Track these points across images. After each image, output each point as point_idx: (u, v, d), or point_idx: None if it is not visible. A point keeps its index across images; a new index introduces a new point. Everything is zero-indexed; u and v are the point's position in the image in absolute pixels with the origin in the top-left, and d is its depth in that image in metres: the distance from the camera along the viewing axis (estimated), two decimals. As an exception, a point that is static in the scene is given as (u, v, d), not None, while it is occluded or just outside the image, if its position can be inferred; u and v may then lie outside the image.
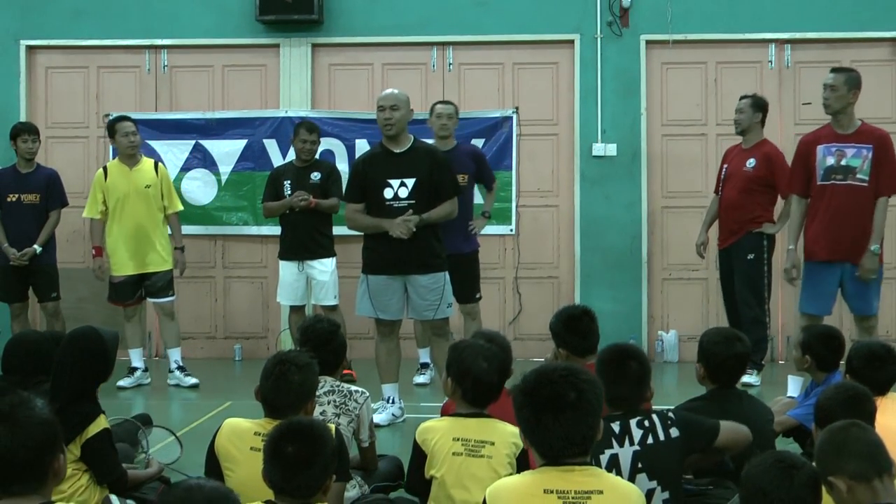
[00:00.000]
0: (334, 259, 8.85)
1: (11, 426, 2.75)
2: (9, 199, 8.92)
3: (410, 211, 6.88)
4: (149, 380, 8.95)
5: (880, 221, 7.12)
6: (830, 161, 7.16)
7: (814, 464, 3.19)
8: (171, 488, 2.74)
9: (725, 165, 8.64)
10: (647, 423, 3.92)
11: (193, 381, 8.77)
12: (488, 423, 4.13)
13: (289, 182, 8.78)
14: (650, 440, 3.89)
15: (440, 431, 4.10)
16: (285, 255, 8.87)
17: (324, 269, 8.77)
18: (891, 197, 7.22)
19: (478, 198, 8.99)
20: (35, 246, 8.82)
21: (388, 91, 7.12)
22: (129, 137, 8.64)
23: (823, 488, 3.15)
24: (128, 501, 4.61)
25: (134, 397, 8.45)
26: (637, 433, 3.89)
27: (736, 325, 8.08)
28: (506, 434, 4.08)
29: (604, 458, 3.82)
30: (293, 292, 8.84)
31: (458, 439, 4.04)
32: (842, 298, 7.38)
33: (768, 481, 3.05)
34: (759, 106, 8.54)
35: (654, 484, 3.85)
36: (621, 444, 3.86)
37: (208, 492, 2.69)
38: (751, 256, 8.34)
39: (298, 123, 9.13)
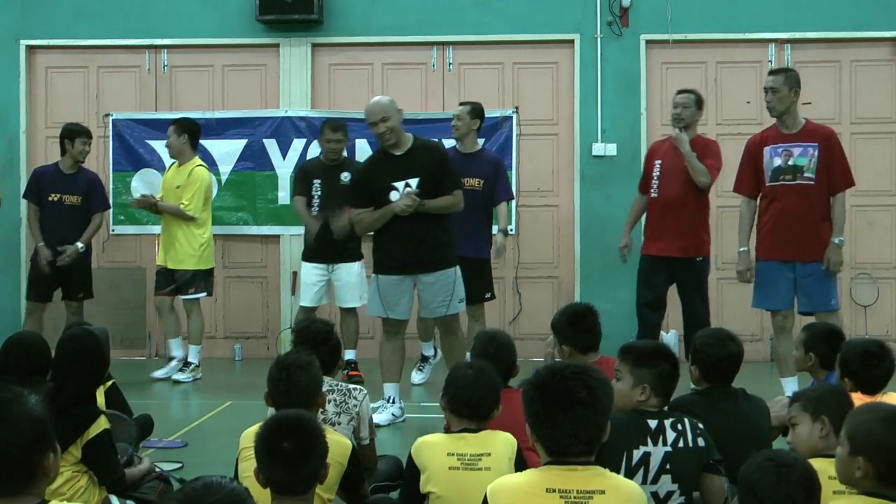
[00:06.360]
0: (361, 262, 8.80)
1: (1, 423, 2.63)
2: (50, 199, 8.88)
3: (413, 186, 6.84)
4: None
5: (840, 215, 7.16)
6: (778, 162, 7.17)
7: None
8: (191, 482, 2.62)
9: (658, 161, 8.04)
10: (679, 426, 3.92)
11: (186, 377, 8.86)
12: (484, 436, 4.09)
13: (319, 182, 8.71)
14: (681, 444, 3.88)
15: (435, 447, 4.06)
16: (311, 257, 8.79)
17: (350, 271, 8.74)
18: (844, 191, 7.22)
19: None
20: (78, 244, 8.79)
21: (372, 103, 6.99)
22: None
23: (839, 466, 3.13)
24: (127, 502, 4.61)
25: (134, 397, 8.42)
26: (671, 435, 3.88)
27: (653, 335, 7.79)
28: (501, 441, 4.04)
29: (637, 454, 3.82)
30: (314, 294, 8.80)
31: (452, 454, 4.01)
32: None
33: (759, 479, 3.05)
34: (701, 101, 8.14)
35: (675, 487, 3.85)
36: (655, 443, 3.85)
37: (227, 492, 2.61)
38: (701, 270, 8.06)
39: (323, 122, 9.02)
